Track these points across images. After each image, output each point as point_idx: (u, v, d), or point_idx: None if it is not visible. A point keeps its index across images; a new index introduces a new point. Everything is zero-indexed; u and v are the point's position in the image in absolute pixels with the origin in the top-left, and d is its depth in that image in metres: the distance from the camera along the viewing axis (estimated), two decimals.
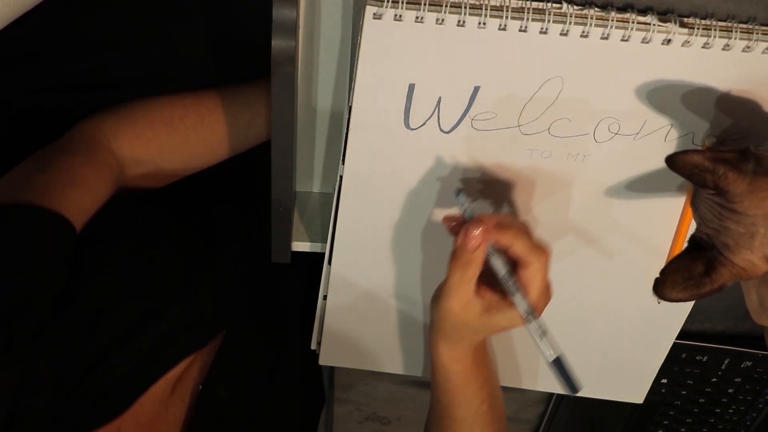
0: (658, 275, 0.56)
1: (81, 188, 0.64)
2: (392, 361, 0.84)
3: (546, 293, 0.61)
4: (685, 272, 0.55)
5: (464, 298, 0.60)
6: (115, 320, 0.61)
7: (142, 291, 0.64)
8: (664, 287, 0.56)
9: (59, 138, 0.70)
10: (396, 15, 0.53)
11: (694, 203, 0.57)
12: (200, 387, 0.68)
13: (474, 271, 0.59)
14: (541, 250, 0.59)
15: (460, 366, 0.67)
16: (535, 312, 0.59)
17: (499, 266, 0.59)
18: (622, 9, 0.55)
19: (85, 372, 0.58)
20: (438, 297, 0.63)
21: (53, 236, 0.60)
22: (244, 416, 0.72)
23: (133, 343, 0.61)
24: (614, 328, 0.77)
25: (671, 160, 0.53)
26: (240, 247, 0.77)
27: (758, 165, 0.50)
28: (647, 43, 0.55)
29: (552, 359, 0.60)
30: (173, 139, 0.75)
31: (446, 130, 0.61)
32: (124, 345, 0.61)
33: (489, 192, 0.60)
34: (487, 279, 0.61)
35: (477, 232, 0.58)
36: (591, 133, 0.61)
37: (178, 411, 0.66)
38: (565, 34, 0.54)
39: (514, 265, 0.60)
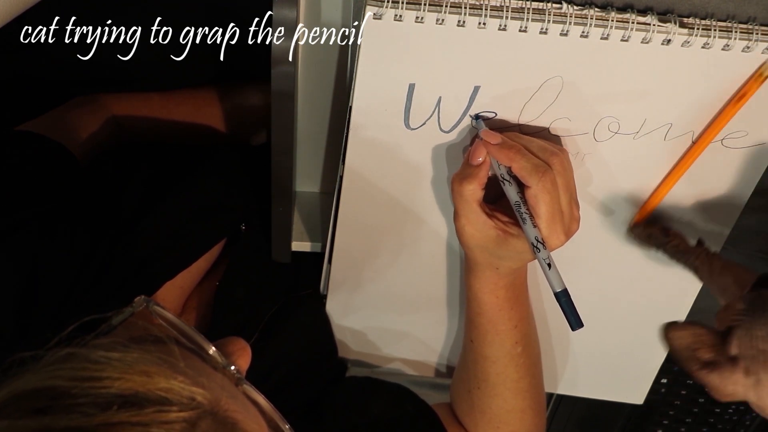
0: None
1: (78, 129, 0.77)
2: (392, 360, 0.84)
3: (559, 221, 0.59)
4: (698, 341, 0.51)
5: (472, 217, 0.60)
6: (133, 212, 0.68)
7: (156, 191, 0.71)
8: (672, 330, 0.52)
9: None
10: (396, 15, 0.53)
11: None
12: (217, 284, 0.72)
13: (473, 186, 0.59)
14: (543, 171, 0.57)
15: (493, 298, 0.66)
16: (544, 242, 0.58)
17: (512, 194, 0.59)
18: (622, 9, 0.55)
19: (106, 260, 0.64)
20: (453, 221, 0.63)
21: (52, 154, 0.72)
22: (259, 316, 0.74)
23: (153, 234, 0.68)
24: (614, 329, 0.77)
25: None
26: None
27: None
28: (647, 43, 0.55)
29: (558, 290, 0.59)
30: (167, 117, 0.83)
31: (446, 129, 0.61)
32: (144, 236, 0.67)
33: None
34: (508, 209, 0.60)
35: (480, 147, 0.58)
36: (591, 132, 0.61)
37: (198, 309, 0.72)
38: (565, 35, 0.54)
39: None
